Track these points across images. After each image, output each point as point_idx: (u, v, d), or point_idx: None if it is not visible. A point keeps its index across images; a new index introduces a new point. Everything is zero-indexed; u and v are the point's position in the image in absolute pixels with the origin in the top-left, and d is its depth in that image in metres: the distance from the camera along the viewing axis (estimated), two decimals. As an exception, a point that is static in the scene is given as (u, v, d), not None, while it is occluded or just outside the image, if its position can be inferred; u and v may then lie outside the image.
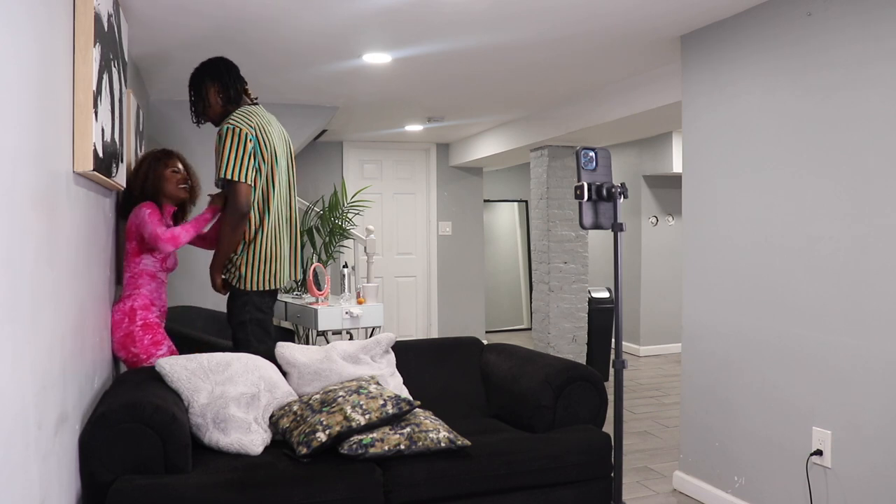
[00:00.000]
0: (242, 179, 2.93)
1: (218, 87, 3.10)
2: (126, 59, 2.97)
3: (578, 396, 2.83)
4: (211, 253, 3.22)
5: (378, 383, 2.69)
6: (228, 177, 2.92)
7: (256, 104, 3.18)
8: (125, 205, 3.03)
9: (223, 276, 3.09)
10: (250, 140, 2.96)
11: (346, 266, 5.07)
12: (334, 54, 3.83)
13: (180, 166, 3.10)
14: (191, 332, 3.51)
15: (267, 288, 3.10)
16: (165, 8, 3.03)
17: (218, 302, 4.45)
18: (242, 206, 2.94)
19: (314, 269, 4.69)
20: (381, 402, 2.46)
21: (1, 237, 1.32)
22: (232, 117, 3.00)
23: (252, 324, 3.09)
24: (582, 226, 2.40)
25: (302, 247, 3.40)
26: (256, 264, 3.05)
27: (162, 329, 2.94)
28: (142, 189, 2.99)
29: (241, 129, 2.95)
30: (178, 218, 3.17)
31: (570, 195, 6.08)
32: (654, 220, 7.30)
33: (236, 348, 3.10)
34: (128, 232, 2.93)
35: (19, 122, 1.45)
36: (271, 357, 2.87)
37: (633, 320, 7.23)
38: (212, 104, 3.12)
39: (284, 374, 2.81)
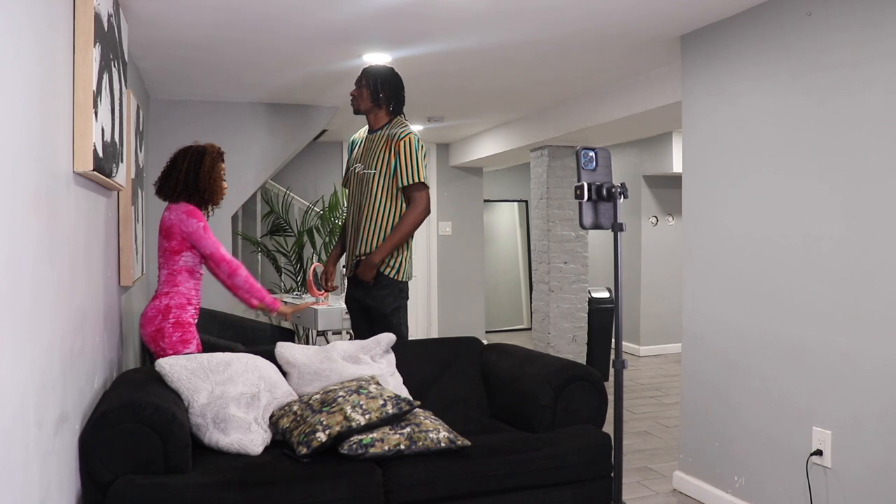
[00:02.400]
0: (428, 183, 3.31)
1: (398, 96, 3.36)
2: (126, 59, 2.96)
3: (578, 396, 2.83)
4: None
5: (378, 383, 2.69)
6: (422, 180, 3.26)
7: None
8: (169, 193, 2.93)
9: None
10: (423, 147, 3.32)
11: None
12: (334, 54, 3.83)
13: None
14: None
15: (412, 276, 3.43)
16: (165, 8, 3.03)
17: (219, 302, 4.44)
18: (429, 207, 3.32)
19: (314, 269, 4.69)
20: (381, 402, 2.46)
21: (1, 237, 1.32)
22: (407, 126, 3.34)
23: (403, 309, 3.38)
24: (582, 226, 2.41)
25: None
26: (409, 256, 3.38)
27: (193, 328, 2.97)
28: (207, 186, 2.91)
29: (419, 139, 3.31)
30: None
31: (570, 195, 6.08)
32: (654, 220, 7.30)
33: (389, 332, 3.22)
34: (167, 230, 2.90)
35: (19, 122, 1.45)
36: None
37: (633, 320, 7.23)
38: (381, 104, 3.34)
39: (284, 374, 2.81)
